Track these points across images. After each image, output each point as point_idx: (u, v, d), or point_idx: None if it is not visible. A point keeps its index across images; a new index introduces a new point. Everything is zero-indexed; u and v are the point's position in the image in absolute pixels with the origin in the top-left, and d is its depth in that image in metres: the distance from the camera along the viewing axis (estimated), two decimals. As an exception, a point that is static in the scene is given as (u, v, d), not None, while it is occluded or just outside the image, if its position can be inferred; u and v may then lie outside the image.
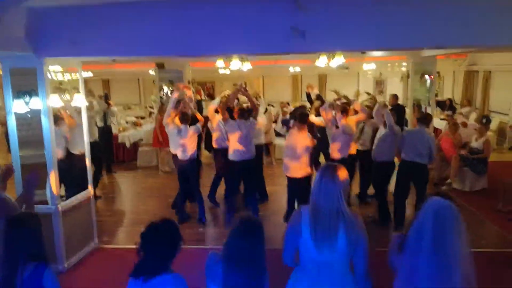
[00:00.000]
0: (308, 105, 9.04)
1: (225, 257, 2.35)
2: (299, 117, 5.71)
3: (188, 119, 6.14)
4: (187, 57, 8.03)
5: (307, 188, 5.15)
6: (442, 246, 2.17)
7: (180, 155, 6.19)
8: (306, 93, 9.41)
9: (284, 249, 2.58)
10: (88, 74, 12.35)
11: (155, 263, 2.31)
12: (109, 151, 9.78)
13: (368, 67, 13.95)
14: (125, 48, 4.64)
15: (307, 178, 5.67)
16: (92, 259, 5.33)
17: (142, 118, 13.09)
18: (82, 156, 5.55)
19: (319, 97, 8.62)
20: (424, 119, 6.08)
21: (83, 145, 5.52)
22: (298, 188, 5.74)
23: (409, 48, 6.41)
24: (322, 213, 2.38)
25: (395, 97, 7.96)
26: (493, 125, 11.17)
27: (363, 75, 15.54)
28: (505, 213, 6.43)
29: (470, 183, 7.66)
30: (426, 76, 10.50)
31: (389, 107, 7.65)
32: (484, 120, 11.02)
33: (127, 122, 11.87)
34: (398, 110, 7.40)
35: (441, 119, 11.24)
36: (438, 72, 11.88)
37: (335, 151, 6.01)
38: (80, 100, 5.33)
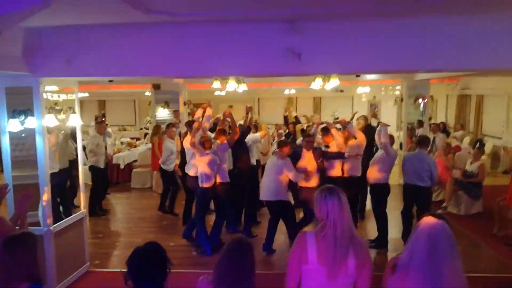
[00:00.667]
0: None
1: (216, 279, 2.30)
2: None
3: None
4: (183, 78, 8.08)
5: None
6: (435, 266, 2.14)
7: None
8: (284, 116, 9.61)
9: (288, 276, 2.49)
10: (84, 95, 12.39)
11: None
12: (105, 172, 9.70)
13: (363, 90, 14.10)
14: (121, 69, 4.66)
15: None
16: (83, 282, 5.20)
17: (137, 139, 13.08)
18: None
19: (296, 119, 8.76)
20: (423, 141, 6.10)
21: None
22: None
23: (404, 71, 6.49)
24: (343, 238, 2.32)
25: (365, 118, 7.84)
26: (487, 148, 11.25)
27: (358, 98, 15.69)
28: (500, 237, 6.40)
29: (465, 207, 7.64)
30: (420, 100, 10.65)
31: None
32: (477, 144, 11.12)
33: (122, 143, 11.85)
34: (369, 131, 7.33)
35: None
36: (432, 96, 12.02)
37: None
38: (75, 120, 5.31)
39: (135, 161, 10.69)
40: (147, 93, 12.68)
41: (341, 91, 14.45)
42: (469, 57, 4.36)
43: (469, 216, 7.51)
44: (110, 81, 8.95)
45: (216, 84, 7.95)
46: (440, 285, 2.12)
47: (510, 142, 10.85)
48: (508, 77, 9.88)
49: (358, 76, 9.10)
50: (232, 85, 7.61)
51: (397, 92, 12.96)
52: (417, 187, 5.77)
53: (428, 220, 2.22)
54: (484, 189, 7.79)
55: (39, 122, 4.55)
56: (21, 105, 4.54)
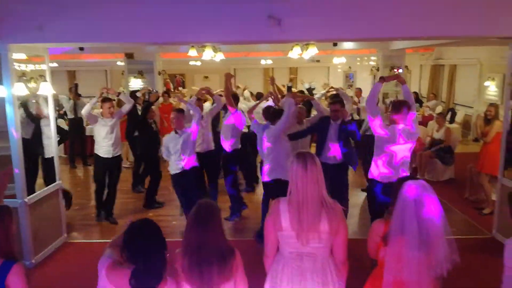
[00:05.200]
0: None
1: (185, 248, 2.25)
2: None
3: None
4: (158, 44, 7.83)
5: None
6: (425, 231, 2.21)
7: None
8: (287, 86, 9.25)
9: (266, 242, 2.53)
10: (53, 65, 11.88)
11: (155, 275, 2.10)
12: (83, 143, 9.51)
13: (338, 60, 14.11)
14: (93, 34, 4.48)
15: None
16: (61, 254, 5.15)
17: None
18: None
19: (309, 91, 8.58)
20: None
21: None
22: None
23: (384, 38, 6.49)
24: (308, 203, 2.33)
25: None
26: (458, 117, 11.54)
27: (334, 68, 15.71)
28: (471, 201, 6.66)
29: (438, 174, 7.90)
30: (395, 70, 10.75)
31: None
32: (449, 113, 11.40)
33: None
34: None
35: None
36: (406, 66, 12.15)
37: None
38: (47, 89, 5.10)
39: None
40: (120, 63, 12.29)
41: (318, 61, 14.42)
42: (444, 24, 4.41)
43: (442, 182, 7.78)
44: (81, 49, 8.58)
45: (192, 52, 7.75)
46: (431, 249, 2.21)
47: (481, 110, 11.15)
48: (480, 47, 10.06)
49: (335, 45, 9.05)
50: (208, 53, 7.43)
51: (373, 63, 13.05)
52: None
53: (411, 185, 2.27)
54: (457, 156, 8.05)
55: (8, 91, 4.35)
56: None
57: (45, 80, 5.08)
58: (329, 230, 2.35)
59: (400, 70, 9.81)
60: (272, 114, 5.18)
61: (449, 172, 7.94)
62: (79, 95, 9.47)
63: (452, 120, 11.28)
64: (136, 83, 10.86)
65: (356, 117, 9.50)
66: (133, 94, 7.72)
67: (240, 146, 6.05)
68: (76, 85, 9.80)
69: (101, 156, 5.86)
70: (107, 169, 5.97)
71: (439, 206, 2.23)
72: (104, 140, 5.81)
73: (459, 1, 4.36)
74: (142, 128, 6.80)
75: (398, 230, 2.25)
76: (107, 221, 6.06)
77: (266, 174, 5.06)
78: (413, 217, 2.21)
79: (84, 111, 5.80)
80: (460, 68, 12.47)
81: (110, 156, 5.86)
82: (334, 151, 5.31)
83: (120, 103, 8.06)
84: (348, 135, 5.28)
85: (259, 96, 8.47)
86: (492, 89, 10.63)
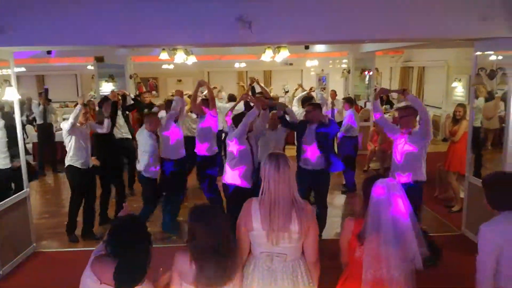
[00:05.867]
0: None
1: (197, 252, 2.24)
2: None
3: None
4: (127, 47, 7.70)
5: None
6: (399, 227, 2.25)
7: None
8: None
9: (239, 242, 2.50)
10: (21, 69, 11.56)
11: (139, 269, 2.10)
12: (53, 149, 9.20)
13: (311, 63, 14.26)
14: (60, 37, 4.37)
15: None
16: (30, 264, 4.99)
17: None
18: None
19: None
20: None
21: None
22: None
23: (353, 40, 6.60)
24: (279, 203, 2.34)
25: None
26: (428, 118, 11.83)
27: (307, 71, 15.86)
28: (441, 199, 6.84)
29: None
30: (366, 73, 10.98)
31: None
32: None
33: (64, 120, 11.25)
34: None
35: (381, 113, 11.74)
36: (377, 68, 12.41)
37: None
38: (12, 94, 4.94)
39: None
40: (90, 67, 12.06)
41: (291, 64, 14.52)
42: (412, 26, 4.53)
43: (412, 182, 7.93)
44: (49, 53, 8.36)
45: (164, 55, 7.66)
46: (405, 245, 2.27)
47: (449, 111, 11.47)
48: (447, 49, 10.36)
49: (307, 48, 9.14)
50: (180, 56, 7.36)
51: (344, 66, 13.27)
52: None
53: (378, 185, 2.32)
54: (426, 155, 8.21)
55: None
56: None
57: (10, 85, 4.92)
58: (299, 230, 2.36)
59: (368, 72, 10.02)
60: (235, 118, 5.06)
61: (420, 171, 8.12)
62: (49, 100, 9.23)
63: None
64: (107, 87, 10.65)
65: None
66: (104, 99, 7.49)
67: (216, 148, 6.00)
68: (47, 90, 9.55)
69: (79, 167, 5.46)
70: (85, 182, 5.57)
71: (407, 203, 2.27)
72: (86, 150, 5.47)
73: (425, 5, 4.48)
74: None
75: (374, 228, 2.29)
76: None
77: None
78: (387, 215, 2.25)
79: (68, 126, 5.24)
80: (428, 70, 12.82)
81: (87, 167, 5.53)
82: (311, 154, 5.18)
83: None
84: (324, 138, 5.17)
85: (231, 98, 8.42)
86: (459, 90, 10.96)
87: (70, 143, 5.37)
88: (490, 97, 5.50)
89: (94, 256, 2.20)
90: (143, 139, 5.43)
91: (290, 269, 2.44)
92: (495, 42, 4.73)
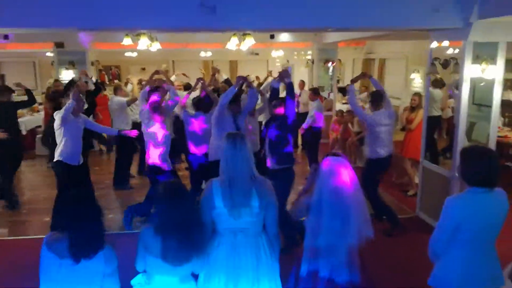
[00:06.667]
0: None
1: (161, 228, 2.31)
2: None
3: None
4: (89, 30, 7.48)
5: None
6: (342, 201, 2.37)
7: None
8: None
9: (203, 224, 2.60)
10: (-27, 54, 11.05)
11: (96, 238, 2.14)
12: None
13: (277, 53, 14.38)
14: (18, 19, 4.23)
15: None
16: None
17: (40, 104, 12.05)
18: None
19: (227, 81, 8.61)
20: None
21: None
22: None
23: (314, 29, 6.72)
24: (238, 180, 2.44)
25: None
26: (388, 108, 12.22)
27: (272, 61, 15.97)
28: (398, 184, 7.14)
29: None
30: (329, 64, 11.22)
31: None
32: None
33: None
34: None
35: (343, 103, 12.02)
36: (340, 60, 12.67)
37: None
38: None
39: (39, 126, 9.94)
40: (49, 54, 11.66)
41: (256, 54, 14.60)
42: (372, 16, 4.70)
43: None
44: (6, 37, 8.05)
45: (127, 40, 7.53)
46: (348, 219, 2.36)
47: (408, 101, 11.90)
48: (406, 42, 10.73)
49: (272, 37, 9.24)
50: (144, 42, 7.27)
51: (309, 57, 13.47)
52: None
53: (327, 159, 2.44)
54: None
55: None
56: None
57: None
58: (259, 205, 2.46)
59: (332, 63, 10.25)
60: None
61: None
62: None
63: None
64: (67, 75, 10.35)
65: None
66: (71, 83, 7.21)
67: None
68: (3, 76, 9.18)
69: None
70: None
71: (353, 176, 2.40)
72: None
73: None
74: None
75: (317, 200, 2.40)
76: None
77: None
78: (329, 185, 2.37)
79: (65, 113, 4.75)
80: (388, 62, 13.23)
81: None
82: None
83: None
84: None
85: (187, 87, 8.39)
86: (417, 81, 11.39)
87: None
88: (440, 85, 5.79)
89: (47, 239, 2.20)
90: None
91: (253, 243, 2.53)
92: (448, 33, 4.98)
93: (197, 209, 2.47)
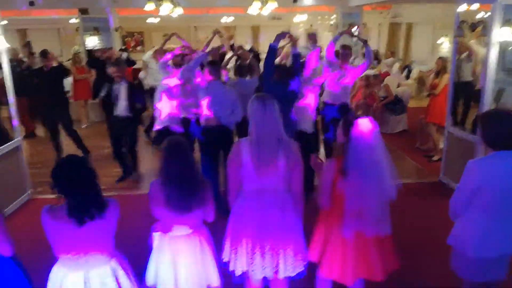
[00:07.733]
0: None
1: (165, 180, 2.49)
2: None
3: None
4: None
5: None
6: (377, 166, 2.46)
7: None
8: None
9: (229, 181, 2.71)
10: (2, 22, 11.21)
11: (91, 202, 2.24)
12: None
13: (300, 18, 14.09)
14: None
15: None
16: (25, 210, 5.16)
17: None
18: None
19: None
20: None
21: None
22: None
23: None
24: (266, 140, 2.52)
25: None
26: (414, 74, 11.99)
27: (295, 27, 15.68)
28: (422, 150, 7.12)
29: (391, 126, 8.33)
30: (354, 28, 10.94)
31: None
32: (406, 70, 11.80)
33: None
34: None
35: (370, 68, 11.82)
36: (365, 24, 12.35)
37: None
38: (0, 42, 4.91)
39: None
40: (73, 20, 11.77)
41: (279, 18, 14.35)
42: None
43: (395, 134, 8.27)
44: (31, 4, 8.15)
45: (149, 6, 7.49)
46: (382, 181, 2.49)
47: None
48: (434, 5, 10.38)
49: (295, 1, 9.05)
50: (166, 7, 7.23)
51: (332, 22, 13.16)
52: None
53: (362, 121, 2.49)
54: (410, 110, 8.56)
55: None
56: None
57: (-3, 34, 4.88)
58: (285, 165, 2.55)
59: (357, 28, 9.98)
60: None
61: (402, 124, 8.40)
62: (33, 54, 9.07)
63: (408, 77, 11.70)
64: (92, 41, 10.45)
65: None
66: (92, 54, 7.35)
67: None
68: (29, 43, 9.36)
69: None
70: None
71: (379, 136, 2.50)
72: None
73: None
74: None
75: (355, 164, 2.49)
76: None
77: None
78: (364, 149, 2.44)
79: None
80: (415, 26, 12.84)
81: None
82: None
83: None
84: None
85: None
86: (445, 45, 11.08)
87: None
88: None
89: (46, 211, 2.31)
90: None
91: (279, 201, 2.63)
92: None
93: (196, 163, 2.68)
